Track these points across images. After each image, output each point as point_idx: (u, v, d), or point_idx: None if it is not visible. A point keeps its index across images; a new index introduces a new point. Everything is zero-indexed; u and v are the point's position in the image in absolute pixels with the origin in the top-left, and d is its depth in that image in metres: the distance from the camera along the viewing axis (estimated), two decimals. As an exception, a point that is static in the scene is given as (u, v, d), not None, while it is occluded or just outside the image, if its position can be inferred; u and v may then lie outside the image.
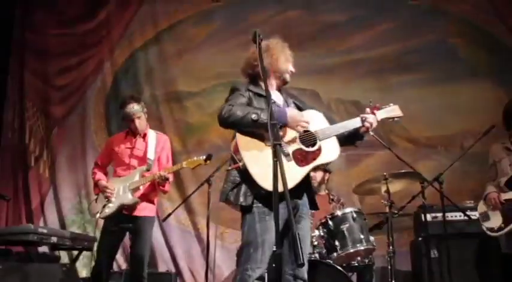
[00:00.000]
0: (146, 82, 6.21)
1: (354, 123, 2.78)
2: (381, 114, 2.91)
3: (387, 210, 4.18)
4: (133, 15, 6.32)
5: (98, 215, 3.91)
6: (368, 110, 2.86)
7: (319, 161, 2.64)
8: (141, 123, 4.01)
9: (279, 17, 6.08)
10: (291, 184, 2.40)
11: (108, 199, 3.88)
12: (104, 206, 3.90)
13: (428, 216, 4.62)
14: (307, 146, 2.63)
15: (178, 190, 5.78)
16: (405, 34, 5.92)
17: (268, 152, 2.40)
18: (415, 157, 5.49)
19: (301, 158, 2.60)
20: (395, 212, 4.17)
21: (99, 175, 4.08)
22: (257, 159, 2.50)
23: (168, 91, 6.15)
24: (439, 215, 4.67)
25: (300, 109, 2.82)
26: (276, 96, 2.80)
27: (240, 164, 2.54)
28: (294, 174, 2.54)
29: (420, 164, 5.41)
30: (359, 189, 4.29)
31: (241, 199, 2.53)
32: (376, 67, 5.65)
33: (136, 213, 3.90)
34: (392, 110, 3.00)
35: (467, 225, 4.61)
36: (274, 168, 2.12)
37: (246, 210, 2.57)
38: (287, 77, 2.87)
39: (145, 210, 3.94)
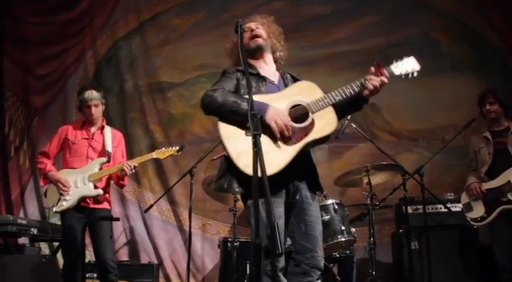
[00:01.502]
0: (129, 72, 6.12)
1: (353, 88, 2.51)
2: (393, 72, 2.60)
3: (368, 202, 4.23)
4: (116, 4, 6.19)
5: (54, 209, 3.78)
6: (372, 69, 2.57)
7: (312, 136, 2.45)
8: (97, 111, 3.94)
9: (263, 8, 6.02)
10: (279, 166, 2.35)
11: (62, 194, 3.75)
12: (59, 199, 3.77)
13: (410, 209, 4.66)
14: (299, 122, 2.45)
15: (161, 181, 5.75)
16: (389, 27, 5.92)
17: (249, 139, 2.35)
18: (397, 150, 5.54)
19: (293, 134, 2.44)
20: (377, 203, 4.21)
21: (50, 166, 3.91)
22: (240, 147, 2.40)
23: (151, 82, 6.07)
24: (420, 207, 4.72)
25: (296, 81, 2.72)
26: (272, 73, 2.72)
27: (224, 152, 2.49)
28: (282, 154, 2.40)
29: (402, 156, 5.47)
30: (341, 181, 4.31)
31: (235, 187, 2.44)
32: (360, 60, 5.64)
33: (95, 205, 3.83)
34: (407, 64, 2.65)
35: (447, 217, 4.68)
36: (253, 159, 2.06)
37: (246, 197, 2.50)
38: (283, 53, 2.79)
39: (102, 202, 3.88)
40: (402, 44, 5.87)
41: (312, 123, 2.46)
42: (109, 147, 3.91)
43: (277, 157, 2.39)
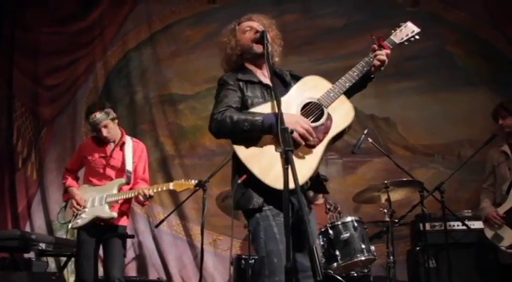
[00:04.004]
0: (139, 84, 6.05)
1: (360, 70, 2.39)
2: (393, 40, 2.48)
3: (387, 218, 4.12)
4: (127, 15, 6.16)
5: (69, 225, 3.71)
6: (374, 46, 2.46)
7: (333, 131, 2.30)
8: (109, 131, 3.78)
9: (275, 20, 5.93)
10: (309, 174, 2.23)
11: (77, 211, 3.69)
12: (75, 216, 3.70)
13: (427, 226, 4.55)
14: (315, 120, 2.32)
15: (171, 195, 5.64)
16: (403, 41, 5.86)
17: (267, 148, 2.28)
18: (412, 165, 5.43)
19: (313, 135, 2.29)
20: (396, 221, 4.10)
21: (70, 181, 3.87)
22: (263, 164, 2.26)
23: (162, 93, 6.00)
24: (437, 224, 4.63)
25: (298, 79, 2.53)
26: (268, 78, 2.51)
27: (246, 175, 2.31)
28: (309, 159, 2.26)
29: (417, 172, 5.36)
30: (359, 198, 4.21)
31: (252, 202, 2.29)
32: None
33: (111, 222, 3.73)
34: (406, 29, 2.51)
35: (465, 234, 4.56)
36: (284, 176, 1.94)
37: (256, 212, 2.31)
38: (278, 59, 2.63)
39: (119, 220, 3.76)
40: (417, 58, 5.81)
41: (330, 118, 2.33)
42: (129, 166, 3.78)
43: (304, 163, 2.25)
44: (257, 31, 2.54)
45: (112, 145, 3.87)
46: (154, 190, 3.66)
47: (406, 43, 2.52)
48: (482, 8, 5.90)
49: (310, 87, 2.40)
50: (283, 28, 5.81)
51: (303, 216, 1.84)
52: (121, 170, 3.79)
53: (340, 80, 2.38)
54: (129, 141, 3.90)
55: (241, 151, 2.31)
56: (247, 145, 2.32)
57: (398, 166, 4.40)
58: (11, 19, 6.20)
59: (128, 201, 3.82)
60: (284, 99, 2.33)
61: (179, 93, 5.98)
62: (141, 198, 3.61)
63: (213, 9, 6.14)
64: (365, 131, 4.43)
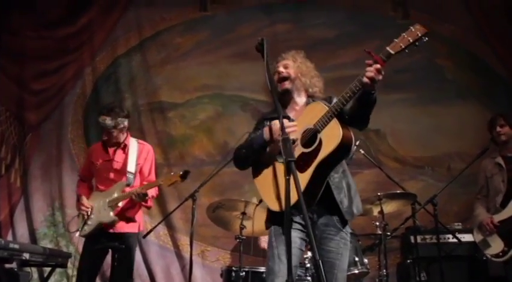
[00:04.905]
0: (128, 91, 5.97)
1: (352, 90, 2.31)
2: (389, 52, 2.28)
3: (379, 231, 4.09)
4: (117, 21, 6.07)
5: (77, 233, 3.72)
6: (369, 62, 2.32)
7: (321, 156, 2.32)
8: (118, 133, 3.82)
9: (267, 30, 5.96)
10: (293, 200, 2.19)
11: (87, 216, 3.70)
12: (84, 223, 3.72)
13: (418, 238, 4.53)
14: (310, 146, 2.38)
15: (158, 204, 5.53)
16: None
17: (267, 170, 2.51)
18: (402, 177, 5.41)
19: (303, 163, 2.36)
20: (389, 233, 4.07)
21: (81, 189, 3.90)
22: (263, 190, 2.53)
23: (151, 101, 5.92)
24: (428, 236, 4.61)
25: None
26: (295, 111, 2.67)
27: None
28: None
29: (407, 184, 5.34)
30: (351, 210, 4.15)
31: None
32: (365, 84, 5.58)
33: (119, 230, 3.70)
34: (411, 33, 2.27)
35: (456, 247, 4.56)
36: (285, 186, 2.00)
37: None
38: (317, 88, 2.74)
39: (127, 226, 3.73)
40: (406, 71, 5.83)
41: (320, 143, 2.35)
42: (131, 167, 3.74)
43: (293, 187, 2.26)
44: (280, 73, 2.70)
45: (114, 148, 3.84)
46: (146, 189, 3.63)
47: (415, 47, 2.29)
48: (472, 23, 5.96)
49: (311, 113, 2.45)
50: (275, 38, 5.87)
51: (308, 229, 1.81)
52: (123, 173, 3.75)
53: (333, 104, 2.37)
54: (133, 143, 3.87)
55: (258, 183, 2.58)
56: (256, 175, 2.59)
57: (390, 178, 4.40)
58: (-4, 22, 6.07)
59: (133, 206, 3.76)
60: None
61: (168, 101, 5.91)
62: (134, 197, 3.58)
63: (204, 17, 6.11)
64: (357, 143, 4.40)
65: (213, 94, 5.80)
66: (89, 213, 3.70)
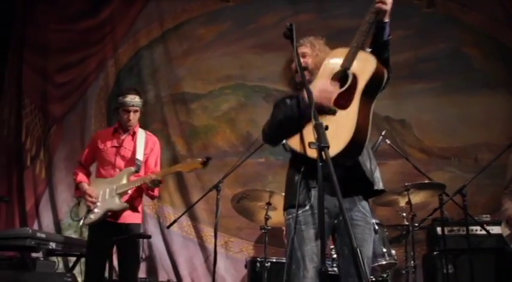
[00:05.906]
0: (151, 82, 5.96)
1: (368, 21, 2.37)
2: None
3: (405, 222, 4.03)
4: (139, 12, 6.07)
5: (81, 222, 3.62)
6: None
7: (361, 83, 2.25)
8: (134, 117, 3.74)
9: (290, 20, 5.84)
10: (349, 136, 2.16)
11: (93, 204, 3.60)
12: (88, 211, 3.60)
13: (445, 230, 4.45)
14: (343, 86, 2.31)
15: (182, 195, 5.55)
16: (418, 42, 5.76)
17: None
18: (428, 168, 5.30)
19: (345, 98, 2.27)
20: (416, 224, 4.01)
21: (81, 176, 3.78)
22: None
23: (173, 92, 5.91)
24: (456, 228, 4.53)
25: None
26: None
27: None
28: (346, 124, 2.20)
29: (433, 174, 5.20)
30: (378, 200, 4.09)
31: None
32: (389, 74, 5.49)
33: (123, 220, 3.62)
34: None
35: (484, 239, 4.46)
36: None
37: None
38: None
39: (131, 217, 3.66)
40: (431, 60, 5.73)
41: (354, 77, 2.29)
42: (139, 155, 3.67)
43: (343, 127, 2.21)
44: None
45: (124, 135, 3.78)
46: (163, 174, 3.60)
47: None
48: (500, 10, 5.80)
49: (335, 58, 2.39)
50: (298, 28, 5.79)
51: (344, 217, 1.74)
52: (131, 160, 3.69)
53: (354, 39, 2.36)
54: (141, 132, 3.82)
55: (292, 142, 2.36)
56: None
57: (417, 169, 4.31)
58: (21, 16, 6.14)
59: (138, 195, 3.71)
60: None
61: (191, 92, 5.89)
62: (148, 183, 3.50)
63: (226, 7, 6.06)
64: (383, 133, 4.35)
65: (236, 85, 5.77)
66: (95, 203, 3.60)
